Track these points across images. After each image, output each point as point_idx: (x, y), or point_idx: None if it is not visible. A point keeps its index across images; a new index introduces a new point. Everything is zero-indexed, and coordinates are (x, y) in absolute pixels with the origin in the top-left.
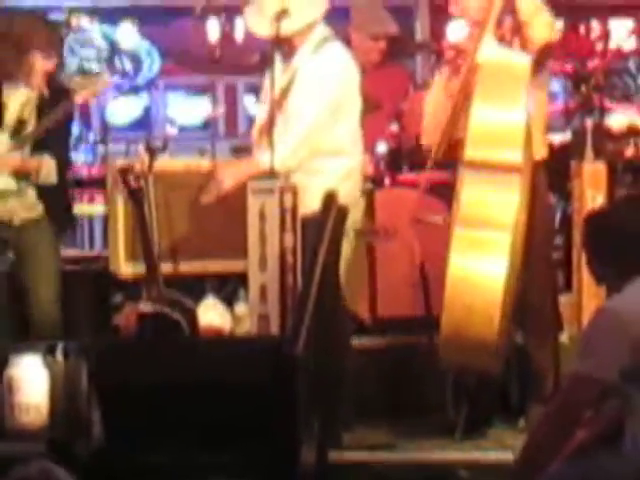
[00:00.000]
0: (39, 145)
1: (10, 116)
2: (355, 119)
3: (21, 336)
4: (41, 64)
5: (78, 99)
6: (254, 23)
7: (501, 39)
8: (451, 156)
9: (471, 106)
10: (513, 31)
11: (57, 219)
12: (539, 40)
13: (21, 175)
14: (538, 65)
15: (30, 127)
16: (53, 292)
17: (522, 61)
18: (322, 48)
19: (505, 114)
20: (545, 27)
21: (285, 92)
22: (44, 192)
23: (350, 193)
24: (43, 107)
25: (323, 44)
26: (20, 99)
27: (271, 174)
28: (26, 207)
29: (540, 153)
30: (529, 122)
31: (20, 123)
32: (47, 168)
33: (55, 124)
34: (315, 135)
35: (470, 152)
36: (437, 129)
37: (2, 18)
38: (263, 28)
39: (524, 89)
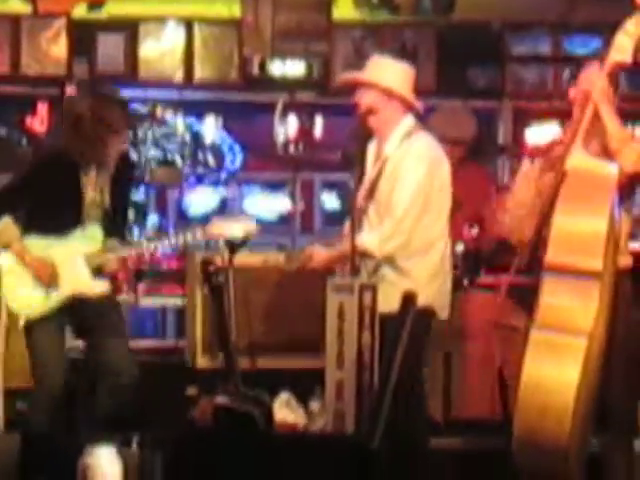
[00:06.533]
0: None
1: (90, 199)
2: (445, 213)
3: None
4: (117, 146)
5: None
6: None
7: (589, 148)
8: (536, 258)
9: (555, 210)
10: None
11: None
12: (627, 168)
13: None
14: (626, 190)
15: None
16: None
17: (609, 170)
18: (410, 138)
19: (588, 221)
20: (635, 156)
21: (375, 182)
22: None
23: (438, 293)
24: (115, 184)
25: (411, 134)
26: (93, 180)
27: (367, 256)
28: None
29: (624, 261)
30: (615, 231)
31: (100, 208)
32: None
33: None
34: (409, 222)
35: (551, 256)
36: (523, 226)
37: (79, 103)
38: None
39: (609, 198)
